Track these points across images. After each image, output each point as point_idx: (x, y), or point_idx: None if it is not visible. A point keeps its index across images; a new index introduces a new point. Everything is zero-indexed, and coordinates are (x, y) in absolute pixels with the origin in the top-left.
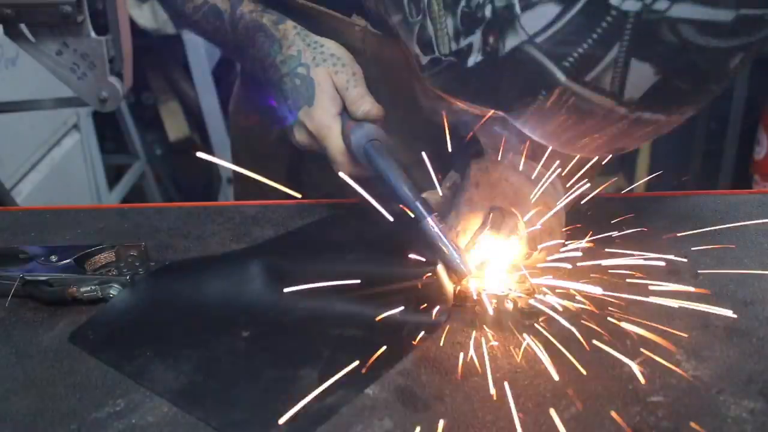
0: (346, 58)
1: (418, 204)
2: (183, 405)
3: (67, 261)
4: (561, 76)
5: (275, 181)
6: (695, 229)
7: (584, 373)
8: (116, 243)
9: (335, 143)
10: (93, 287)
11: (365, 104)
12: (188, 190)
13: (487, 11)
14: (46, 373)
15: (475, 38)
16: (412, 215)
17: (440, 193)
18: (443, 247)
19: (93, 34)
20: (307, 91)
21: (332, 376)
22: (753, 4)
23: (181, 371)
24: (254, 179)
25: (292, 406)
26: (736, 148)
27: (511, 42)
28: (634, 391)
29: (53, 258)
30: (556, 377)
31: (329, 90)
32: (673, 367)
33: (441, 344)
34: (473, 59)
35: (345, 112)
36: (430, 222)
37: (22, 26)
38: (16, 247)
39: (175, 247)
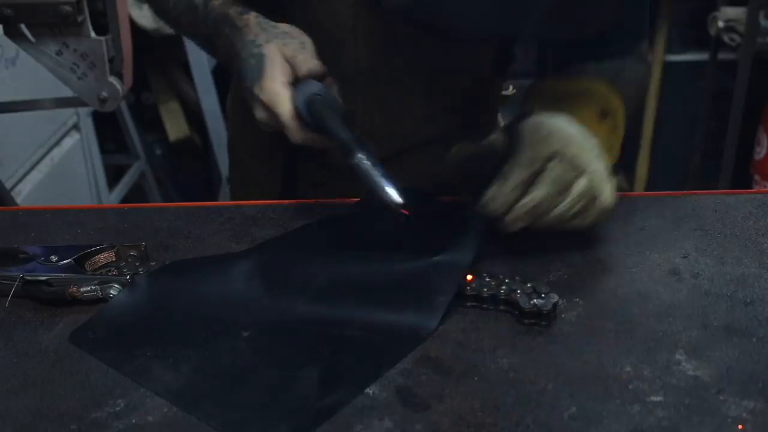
0: (296, 33)
1: (351, 141)
2: (183, 405)
3: (67, 261)
4: None
5: (272, 178)
6: (695, 229)
7: (584, 372)
8: (116, 243)
9: (285, 108)
10: (93, 287)
11: (308, 63)
12: (188, 190)
13: None
14: (46, 373)
15: None
16: (345, 153)
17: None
18: (376, 182)
19: (93, 34)
20: (258, 65)
21: (332, 376)
22: None
23: (181, 371)
24: (252, 178)
25: (292, 406)
26: (736, 148)
27: None
28: (633, 391)
29: (53, 258)
30: (556, 376)
31: (278, 61)
32: (673, 367)
33: (441, 344)
34: None
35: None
36: (361, 157)
37: (22, 26)
38: (16, 247)
39: (175, 247)
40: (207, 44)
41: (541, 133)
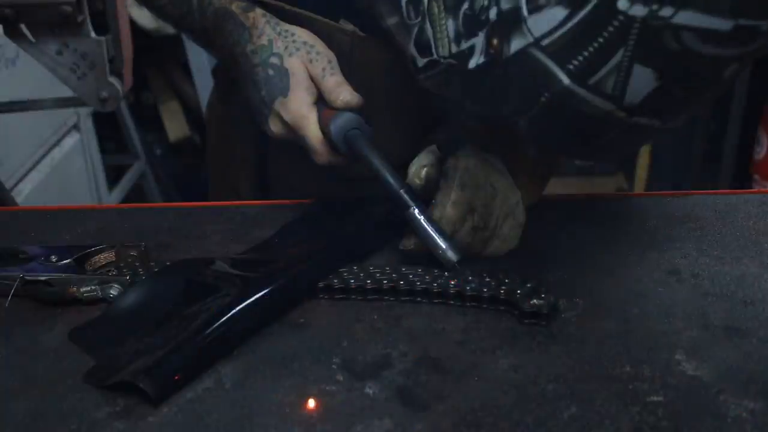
0: (319, 45)
1: (403, 192)
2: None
3: (67, 261)
4: (564, 79)
5: (246, 181)
6: (695, 229)
7: (584, 372)
8: (116, 243)
9: (313, 133)
10: (93, 287)
11: (344, 93)
12: (188, 190)
13: (492, 13)
14: (46, 373)
15: (478, 40)
16: (397, 204)
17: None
18: (430, 236)
19: (93, 34)
20: (281, 81)
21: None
22: (750, 15)
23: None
24: (228, 183)
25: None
26: (736, 148)
27: (516, 44)
28: (634, 391)
29: (53, 258)
30: (556, 376)
31: (304, 80)
32: (673, 367)
33: (441, 344)
34: (475, 61)
35: (321, 101)
36: (416, 211)
37: (22, 26)
38: (16, 247)
39: (175, 247)
40: (203, 38)
41: (471, 186)
